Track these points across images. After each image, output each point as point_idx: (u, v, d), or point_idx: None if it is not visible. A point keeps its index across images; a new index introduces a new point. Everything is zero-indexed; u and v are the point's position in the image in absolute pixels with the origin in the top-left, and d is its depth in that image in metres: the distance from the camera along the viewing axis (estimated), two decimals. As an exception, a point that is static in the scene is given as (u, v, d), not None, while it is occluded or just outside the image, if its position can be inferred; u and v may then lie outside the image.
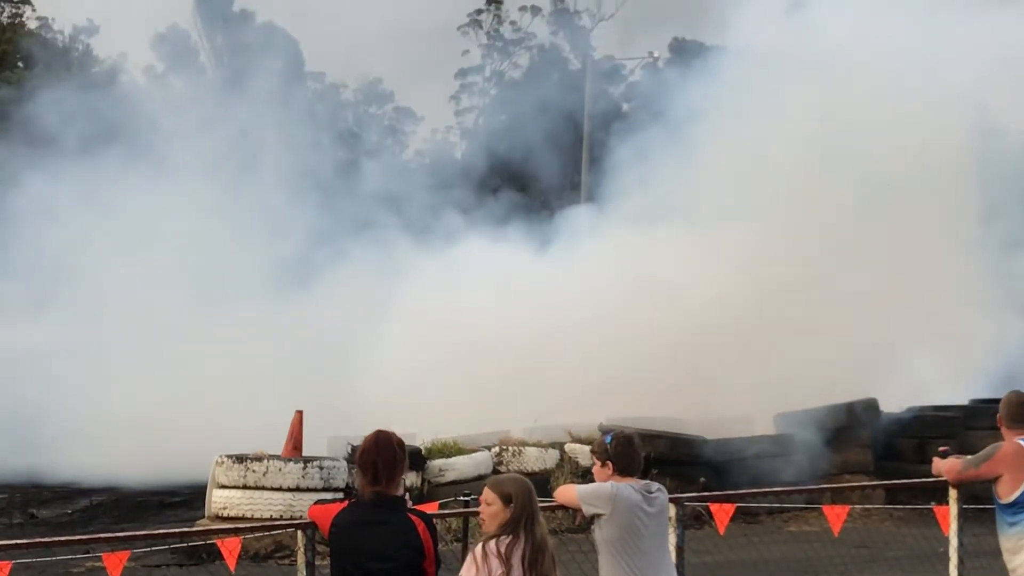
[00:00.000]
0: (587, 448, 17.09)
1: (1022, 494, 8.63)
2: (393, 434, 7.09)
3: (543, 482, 15.86)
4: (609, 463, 7.72)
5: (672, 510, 8.82)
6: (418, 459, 17.18)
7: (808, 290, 21.05)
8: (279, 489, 15.43)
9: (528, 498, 6.75)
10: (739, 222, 21.57)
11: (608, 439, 7.81)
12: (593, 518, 7.63)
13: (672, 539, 8.85)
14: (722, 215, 21.96)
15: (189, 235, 25.16)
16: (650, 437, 18.26)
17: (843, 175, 21.67)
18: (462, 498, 12.31)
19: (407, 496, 7.39)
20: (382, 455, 6.96)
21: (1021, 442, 8.75)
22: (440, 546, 7.07)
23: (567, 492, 7.89)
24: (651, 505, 7.66)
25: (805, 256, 21.10)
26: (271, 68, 34.88)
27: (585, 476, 16.29)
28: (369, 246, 26.18)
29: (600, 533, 7.61)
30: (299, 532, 8.36)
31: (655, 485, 7.80)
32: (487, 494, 6.82)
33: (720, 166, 22.34)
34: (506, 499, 6.72)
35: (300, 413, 15.90)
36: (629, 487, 7.62)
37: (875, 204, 21.67)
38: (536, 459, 18.21)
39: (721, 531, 10.05)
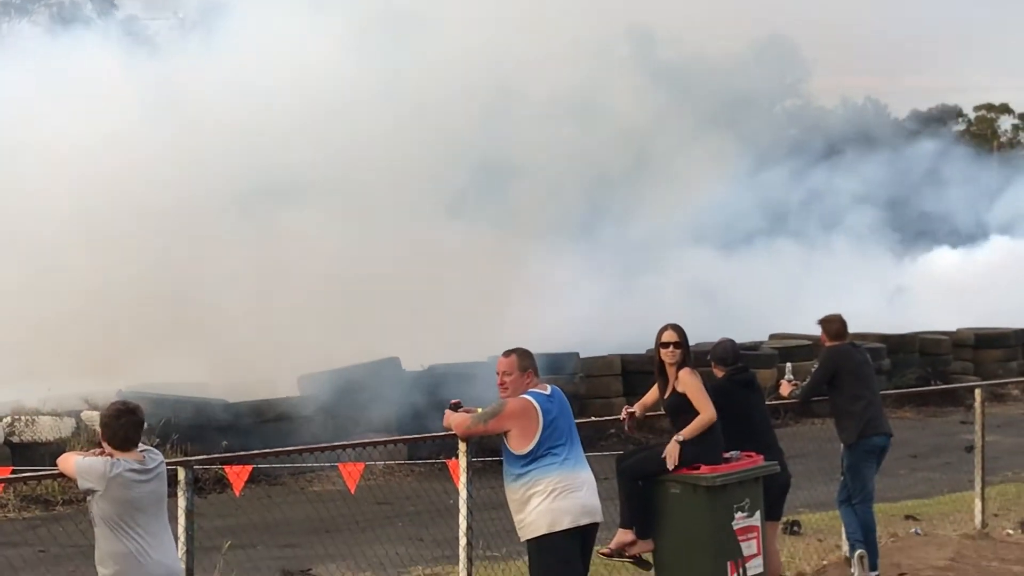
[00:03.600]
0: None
1: (535, 446, 8.79)
2: None
3: (59, 452, 15.29)
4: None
5: (182, 474, 8.66)
6: (-83, 434, 16.33)
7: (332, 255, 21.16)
8: None
9: None
10: None
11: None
12: (90, 491, 7.36)
13: (182, 503, 8.67)
14: None
15: None
16: (171, 403, 18.02)
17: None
18: (-30, 471, 11.80)
19: None
20: None
21: (528, 396, 8.95)
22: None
23: (67, 462, 7.57)
24: (147, 477, 7.45)
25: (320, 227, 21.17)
26: None
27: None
28: None
29: (96, 508, 7.35)
30: None
31: (153, 454, 7.59)
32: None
33: None
34: None
35: None
36: (125, 462, 7.37)
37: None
38: (51, 428, 17.55)
39: (236, 493, 9.93)
